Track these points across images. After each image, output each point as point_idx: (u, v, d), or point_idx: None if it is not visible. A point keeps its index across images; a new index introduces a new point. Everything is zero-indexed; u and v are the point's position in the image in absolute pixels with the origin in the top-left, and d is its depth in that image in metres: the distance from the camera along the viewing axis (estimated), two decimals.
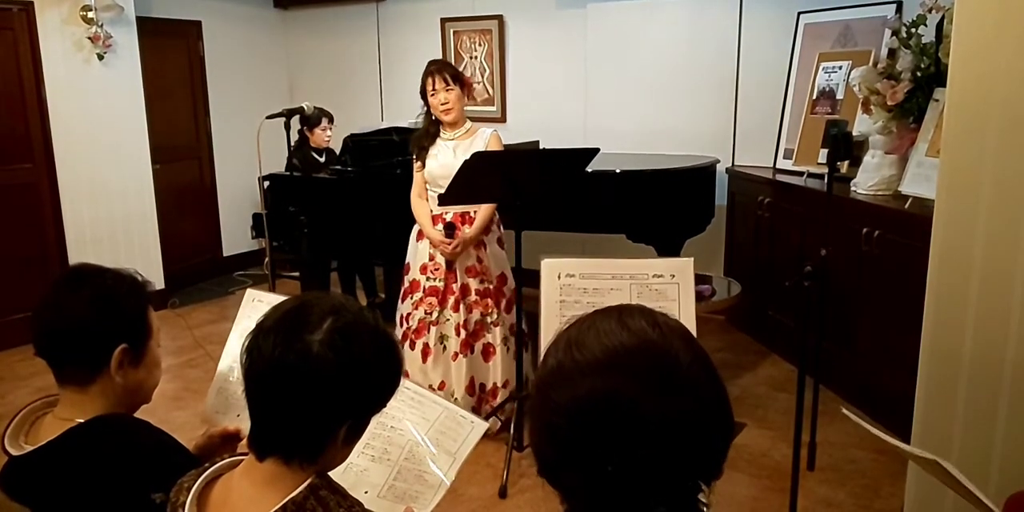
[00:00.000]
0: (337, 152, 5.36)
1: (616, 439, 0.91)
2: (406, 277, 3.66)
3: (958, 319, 2.47)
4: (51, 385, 1.55)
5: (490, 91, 6.01)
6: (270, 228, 4.39)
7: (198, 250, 6.44)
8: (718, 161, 4.72)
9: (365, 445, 1.63)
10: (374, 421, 1.28)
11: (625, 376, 0.92)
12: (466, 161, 3.15)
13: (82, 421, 1.47)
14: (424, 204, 3.61)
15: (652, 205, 4.24)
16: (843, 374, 3.78)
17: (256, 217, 5.71)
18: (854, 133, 3.40)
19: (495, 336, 3.63)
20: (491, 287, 3.62)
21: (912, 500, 2.72)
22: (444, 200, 3.34)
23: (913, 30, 3.66)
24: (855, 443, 3.51)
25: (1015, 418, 2.37)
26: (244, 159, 5.82)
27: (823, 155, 3.83)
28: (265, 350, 1.16)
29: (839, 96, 4.36)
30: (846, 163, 3.56)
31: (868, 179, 3.77)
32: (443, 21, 6.10)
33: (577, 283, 2.04)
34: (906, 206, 3.43)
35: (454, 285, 3.55)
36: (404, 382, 1.44)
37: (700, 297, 4.10)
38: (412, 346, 3.56)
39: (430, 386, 3.51)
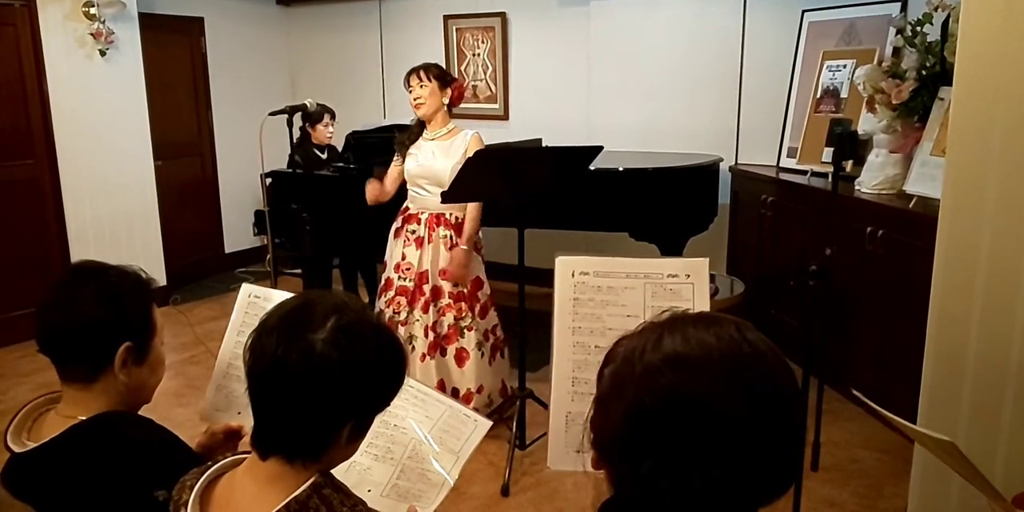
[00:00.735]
0: (339, 149, 5.36)
1: (702, 442, 0.91)
2: (383, 274, 3.67)
3: (963, 318, 2.46)
4: (53, 382, 1.54)
5: (492, 89, 6.00)
6: (272, 225, 4.38)
7: (200, 247, 6.44)
8: (721, 159, 4.71)
9: (368, 444, 1.62)
10: (377, 419, 1.28)
11: (738, 390, 0.92)
12: (469, 159, 3.15)
13: (85, 418, 1.47)
14: (378, 185, 3.73)
15: (655, 203, 4.23)
16: (846, 373, 3.78)
17: (258, 214, 5.69)
18: (858, 132, 3.39)
19: (469, 341, 3.59)
20: (465, 291, 3.58)
21: (916, 500, 2.71)
22: (447, 198, 3.32)
23: (918, 28, 3.65)
24: (859, 443, 3.51)
25: (1020, 417, 2.36)
26: (246, 156, 5.82)
27: (827, 154, 3.83)
28: (268, 349, 1.15)
29: (843, 95, 4.34)
30: (850, 162, 3.55)
31: (872, 178, 3.76)
32: (446, 18, 6.09)
33: (591, 281, 2.03)
34: (910, 205, 3.42)
35: (425, 286, 3.53)
36: (407, 380, 1.44)
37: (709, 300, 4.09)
38: None
39: None
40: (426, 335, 3.53)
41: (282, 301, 1.24)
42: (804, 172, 4.41)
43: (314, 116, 5.10)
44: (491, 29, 5.90)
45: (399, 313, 3.55)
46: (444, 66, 4.02)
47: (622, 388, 0.97)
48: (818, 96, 4.50)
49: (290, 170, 4.88)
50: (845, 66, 4.33)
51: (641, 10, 5.31)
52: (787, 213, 4.39)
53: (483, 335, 3.64)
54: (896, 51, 3.90)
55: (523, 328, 3.50)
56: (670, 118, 5.29)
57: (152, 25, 5.52)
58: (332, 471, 1.24)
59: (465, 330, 3.59)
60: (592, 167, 3.52)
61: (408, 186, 3.62)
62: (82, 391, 1.50)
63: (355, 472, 1.60)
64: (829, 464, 3.30)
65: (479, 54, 6.00)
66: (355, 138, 5.08)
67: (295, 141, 4.64)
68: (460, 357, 3.60)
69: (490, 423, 1.75)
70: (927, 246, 2.62)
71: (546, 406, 2.61)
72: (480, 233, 3.69)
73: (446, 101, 3.55)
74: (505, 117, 5.91)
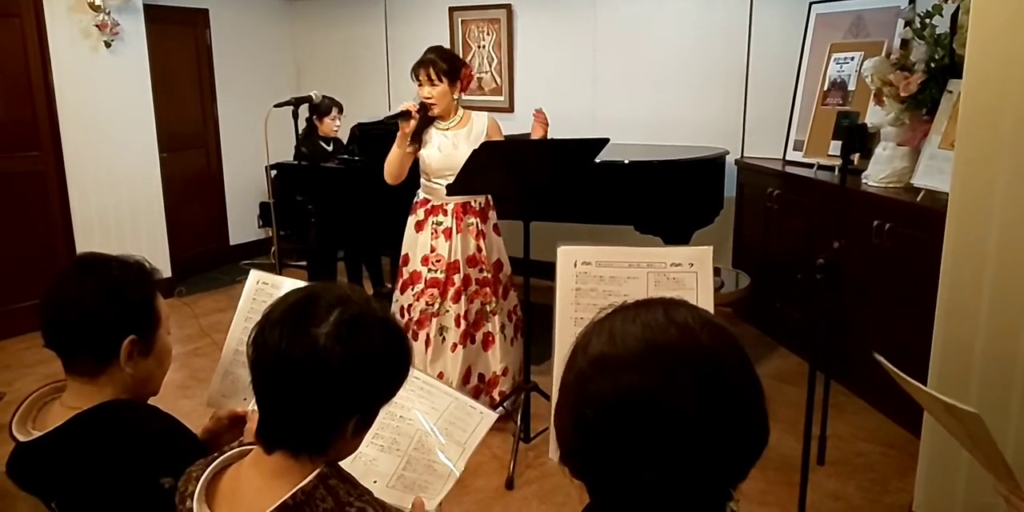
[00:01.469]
0: (344, 141, 5.35)
1: (650, 440, 0.88)
2: (404, 268, 3.64)
3: (971, 312, 2.46)
4: (59, 373, 1.54)
5: (498, 81, 5.98)
6: (277, 217, 4.38)
7: (205, 239, 6.44)
8: (727, 152, 4.69)
9: (374, 435, 1.62)
10: (384, 411, 1.27)
11: (670, 378, 0.88)
12: (475, 151, 3.13)
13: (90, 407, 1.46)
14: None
15: (660, 196, 4.22)
16: (853, 367, 3.76)
17: (263, 206, 5.71)
18: (866, 125, 3.37)
19: (494, 325, 3.63)
20: (489, 275, 3.62)
21: (921, 495, 2.71)
22: (452, 190, 3.32)
23: (927, 21, 3.63)
24: (864, 437, 3.50)
25: None
26: (251, 148, 5.82)
27: (834, 147, 3.82)
28: (271, 343, 1.15)
29: (851, 87, 4.32)
30: (858, 155, 3.53)
31: (880, 171, 3.74)
32: (451, 10, 6.06)
33: (593, 271, 2.01)
34: (918, 199, 3.40)
35: (455, 276, 3.54)
36: (413, 372, 1.43)
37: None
38: (415, 337, 3.55)
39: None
40: (458, 325, 3.55)
41: (285, 294, 1.23)
42: (811, 165, 4.39)
43: (322, 109, 5.10)
44: (496, 21, 5.88)
45: (432, 305, 3.54)
46: None
47: (565, 399, 0.96)
48: (825, 89, 4.48)
49: (295, 162, 4.88)
50: (853, 58, 4.31)
51: (647, 2, 5.29)
52: (793, 206, 4.37)
53: (506, 316, 3.68)
54: (904, 43, 3.87)
55: (528, 321, 3.49)
56: (676, 110, 5.27)
57: (157, 16, 5.51)
58: (338, 462, 1.24)
59: (490, 314, 3.63)
60: (598, 160, 3.51)
61: (431, 179, 3.56)
62: (88, 384, 1.50)
63: (361, 463, 1.60)
64: (835, 458, 3.30)
65: (484, 46, 5.98)
66: (360, 130, 5.08)
67: (302, 133, 4.64)
68: (487, 341, 3.63)
69: (496, 415, 1.74)
70: (935, 240, 2.61)
71: (551, 399, 2.60)
72: (495, 217, 3.71)
73: (456, 96, 3.54)
74: (510, 109, 5.90)
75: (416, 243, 3.61)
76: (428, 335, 3.55)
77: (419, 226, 3.61)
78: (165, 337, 1.57)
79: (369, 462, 1.61)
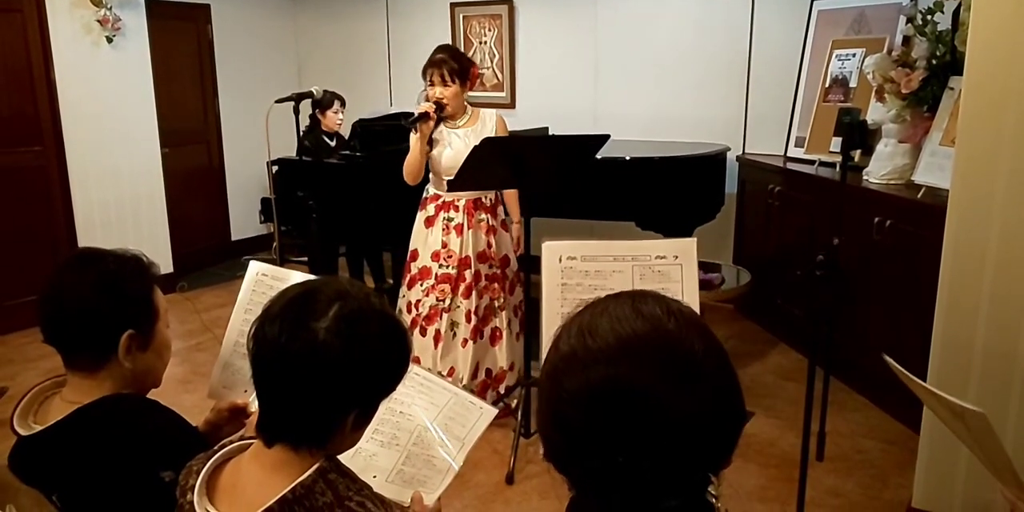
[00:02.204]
0: (346, 137, 5.35)
1: (627, 429, 0.89)
2: (413, 264, 3.64)
3: (971, 309, 2.46)
4: (60, 367, 1.54)
5: (499, 77, 5.98)
6: (279, 213, 4.38)
7: (206, 234, 6.45)
8: (728, 149, 4.69)
9: (374, 431, 1.63)
10: (383, 406, 1.28)
11: (638, 365, 0.89)
12: (475, 147, 3.14)
13: (91, 401, 1.47)
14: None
15: (662, 193, 4.22)
16: (852, 364, 3.77)
17: (265, 201, 5.70)
18: (867, 121, 3.37)
19: (501, 320, 3.65)
20: (498, 271, 3.63)
21: (921, 491, 2.71)
22: (453, 186, 3.32)
23: (929, 17, 3.62)
24: (864, 433, 3.51)
25: None
26: (253, 143, 5.81)
27: (835, 143, 3.80)
28: (271, 337, 1.15)
29: (852, 84, 4.32)
30: (859, 152, 3.52)
31: (881, 168, 3.74)
32: (452, 6, 6.06)
33: (579, 266, 2.02)
34: (919, 195, 3.40)
35: (467, 272, 3.55)
36: (413, 368, 1.43)
37: (709, 285, 4.09)
38: (423, 333, 3.56)
39: (439, 373, 3.51)
40: (468, 320, 3.56)
41: (285, 288, 1.24)
42: (812, 162, 4.39)
43: (324, 103, 5.10)
44: (498, 17, 5.88)
45: (443, 301, 3.55)
46: None
47: (541, 397, 0.98)
48: (827, 85, 4.48)
49: (297, 158, 4.88)
50: (854, 55, 4.31)
51: None
52: (794, 203, 4.37)
53: (512, 311, 3.69)
54: (906, 40, 3.87)
55: (529, 316, 3.50)
56: (678, 107, 5.27)
57: (159, 12, 5.52)
58: (338, 457, 1.24)
59: (498, 309, 3.64)
60: (599, 156, 3.51)
61: (441, 176, 3.56)
62: (88, 379, 1.50)
63: (361, 458, 1.60)
64: (834, 454, 3.30)
65: (486, 42, 5.98)
66: (362, 126, 5.08)
67: (305, 128, 4.64)
68: (494, 337, 3.65)
69: (496, 411, 1.75)
70: (935, 237, 2.61)
71: None
72: (504, 213, 3.73)
73: (466, 95, 3.57)
74: (512, 105, 5.89)
75: (426, 239, 3.61)
76: (437, 331, 3.55)
77: (429, 222, 3.61)
78: (164, 331, 1.58)
79: (369, 457, 1.62)
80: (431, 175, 3.62)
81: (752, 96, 5.05)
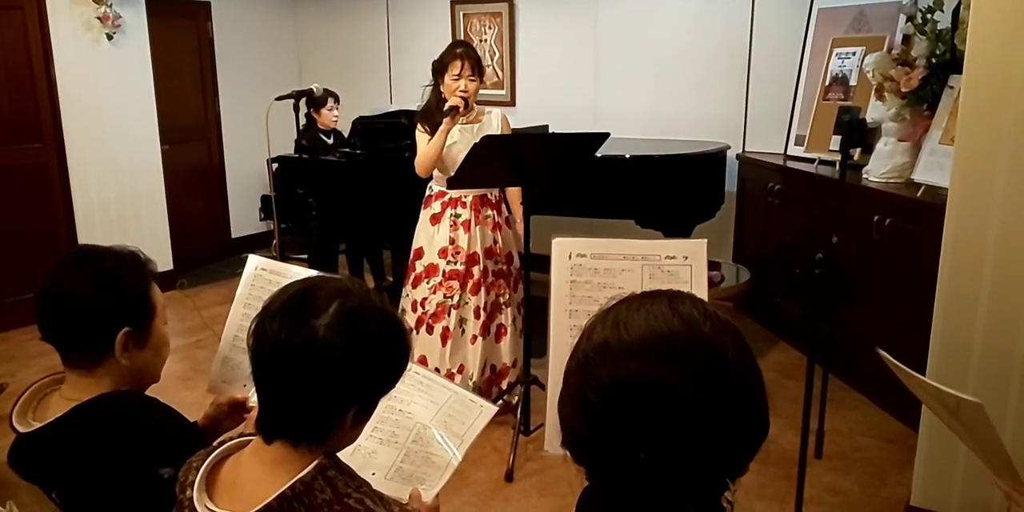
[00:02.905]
0: (345, 134, 5.35)
1: (650, 426, 0.89)
2: (418, 262, 3.62)
3: (969, 307, 2.46)
4: (60, 364, 1.54)
5: (499, 75, 5.98)
6: (279, 210, 4.38)
7: (206, 231, 6.44)
8: (728, 147, 4.69)
9: (374, 428, 1.63)
10: (383, 405, 1.28)
11: (669, 364, 0.90)
12: (475, 145, 3.14)
13: (89, 398, 1.47)
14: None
15: (662, 191, 4.22)
16: (851, 362, 3.77)
17: (265, 199, 5.71)
18: (867, 120, 3.37)
19: (507, 317, 3.65)
20: (504, 267, 3.64)
21: (919, 489, 2.72)
22: (452, 183, 3.32)
23: (929, 16, 3.62)
24: (863, 431, 3.51)
25: None
26: (253, 141, 5.81)
27: (835, 142, 3.81)
28: (271, 334, 1.16)
29: (852, 82, 4.32)
30: (858, 150, 3.53)
31: (880, 166, 3.74)
32: (453, 3, 6.06)
33: (588, 263, 2.01)
34: (918, 194, 3.40)
35: (475, 268, 3.54)
36: (412, 366, 1.43)
37: (709, 283, 4.08)
38: (430, 331, 3.55)
39: (448, 371, 3.51)
40: (477, 316, 3.56)
41: (285, 285, 1.24)
42: (812, 160, 4.39)
43: (318, 100, 5.09)
44: (498, 15, 5.88)
45: (451, 297, 3.55)
46: None
47: (568, 384, 0.98)
48: (827, 84, 4.48)
49: (297, 155, 4.88)
50: (854, 53, 4.31)
51: None
52: (794, 201, 4.38)
53: (516, 309, 3.69)
54: (906, 38, 3.87)
55: (529, 313, 3.50)
56: (677, 105, 5.27)
57: (159, 9, 5.51)
58: (338, 454, 1.25)
59: (504, 306, 3.64)
60: (599, 154, 3.51)
61: (448, 172, 3.52)
62: (85, 376, 1.51)
63: (360, 456, 1.61)
64: (833, 452, 3.31)
65: (486, 40, 5.98)
66: (362, 124, 5.08)
67: (301, 127, 4.64)
68: (499, 333, 3.65)
69: (495, 408, 1.75)
70: (934, 235, 2.61)
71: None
72: (507, 209, 3.74)
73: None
74: (512, 103, 5.89)
75: (432, 236, 3.60)
76: (445, 328, 3.54)
77: (435, 219, 3.60)
78: (161, 327, 1.57)
79: (368, 454, 1.62)
80: (435, 172, 3.62)
81: (752, 94, 5.05)
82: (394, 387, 1.26)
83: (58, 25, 4.85)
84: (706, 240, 2.03)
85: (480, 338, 3.57)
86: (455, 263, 3.55)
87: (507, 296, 3.65)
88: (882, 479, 3.14)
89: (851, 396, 3.82)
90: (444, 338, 3.54)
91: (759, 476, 3.13)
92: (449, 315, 3.54)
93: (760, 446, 0.96)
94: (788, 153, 4.71)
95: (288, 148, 4.97)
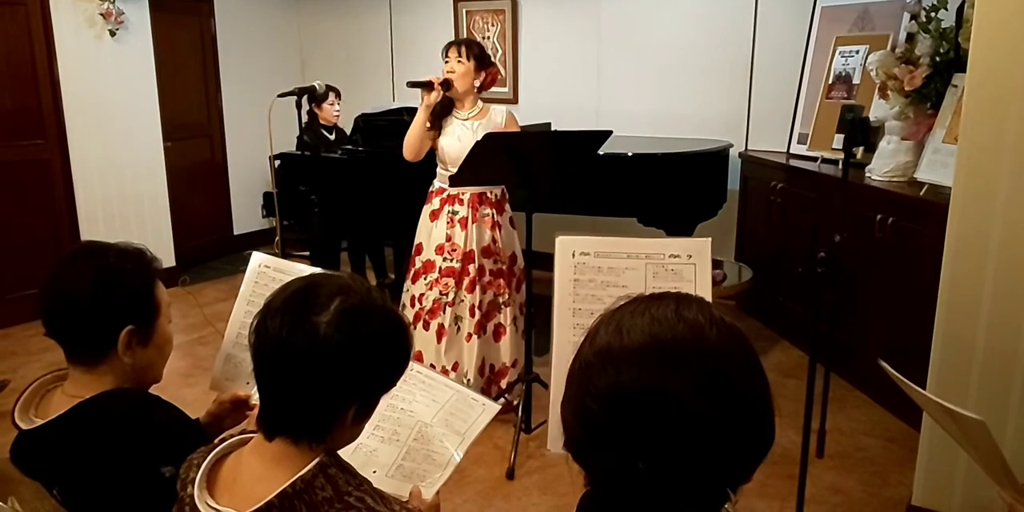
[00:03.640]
0: (347, 131, 5.35)
1: (649, 434, 0.87)
2: (417, 258, 3.63)
3: (972, 307, 2.46)
4: (63, 360, 1.54)
5: (502, 72, 5.96)
6: (281, 207, 4.38)
7: (209, 228, 6.45)
8: (731, 145, 4.69)
9: (375, 427, 1.63)
10: (384, 403, 1.28)
11: (671, 370, 0.87)
12: (478, 142, 3.14)
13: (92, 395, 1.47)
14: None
15: (664, 189, 4.21)
16: (854, 361, 3.77)
17: (267, 196, 5.71)
18: (870, 118, 3.36)
19: (506, 316, 3.64)
20: (504, 267, 3.62)
21: (921, 489, 2.72)
22: (454, 181, 3.32)
23: (933, 14, 3.62)
24: (865, 431, 3.51)
25: None
26: (255, 138, 5.82)
27: (838, 140, 3.80)
28: (272, 331, 1.16)
29: (855, 81, 4.31)
30: (861, 149, 3.52)
31: (883, 165, 3.73)
32: (456, 1, 6.05)
33: (592, 261, 2.00)
34: (921, 193, 3.40)
35: (471, 266, 3.54)
36: (414, 365, 1.43)
37: (711, 282, 4.08)
38: (427, 327, 3.55)
39: (443, 368, 3.51)
40: (472, 315, 3.56)
41: (286, 283, 1.24)
42: (814, 159, 4.38)
43: (319, 96, 5.08)
44: (501, 12, 5.87)
45: (446, 294, 3.55)
46: None
47: (570, 387, 0.96)
48: (830, 82, 4.47)
49: (299, 152, 4.88)
50: (858, 52, 4.30)
51: None
52: (796, 200, 4.37)
53: (518, 309, 3.68)
54: (910, 37, 3.86)
55: (530, 312, 3.50)
56: (680, 103, 5.26)
57: (162, 6, 5.51)
58: (339, 452, 1.25)
59: (503, 305, 3.63)
60: (601, 152, 3.50)
61: (448, 168, 3.54)
62: (88, 373, 1.50)
63: (361, 454, 1.61)
64: (835, 451, 3.31)
65: (489, 37, 5.97)
66: (364, 121, 5.08)
67: (303, 123, 4.64)
68: (498, 333, 3.64)
69: (498, 407, 1.74)
70: (937, 234, 2.61)
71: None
72: (510, 209, 3.72)
73: (477, 84, 3.56)
74: (515, 101, 5.89)
75: (431, 232, 3.60)
76: (440, 325, 3.54)
77: (434, 215, 3.61)
78: (165, 326, 1.57)
79: (369, 453, 1.62)
80: (438, 168, 3.62)
81: (755, 92, 5.05)
82: (395, 385, 1.26)
83: (61, 21, 4.85)
84: (710, 239, 2.02)
85: (475, 336, 3.56)
86: (451, 260, 3.55)
87: (506, 296, 3.63)
88: (884, 479, 3.14)
89: (853, 395, 3.82)
90: (439, 335, 3.55)
91: (760, 475, 3.08)
92: (444, 312, 3.54)
93: (765, 457, 0.94)
94: (791, 152, 4.70)
95: (290, 145, 4.96)
